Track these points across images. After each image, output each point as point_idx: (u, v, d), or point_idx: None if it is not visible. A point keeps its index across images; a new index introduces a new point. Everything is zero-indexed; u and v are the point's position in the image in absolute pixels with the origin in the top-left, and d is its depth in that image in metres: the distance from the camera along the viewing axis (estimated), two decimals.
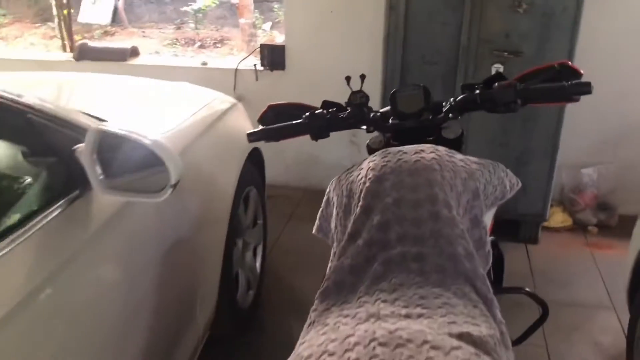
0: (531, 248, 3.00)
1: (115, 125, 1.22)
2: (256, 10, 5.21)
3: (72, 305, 1.15)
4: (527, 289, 1.66)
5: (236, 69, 3.52)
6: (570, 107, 2.79)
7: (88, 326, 1.20)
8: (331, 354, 0.85)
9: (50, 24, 5.67)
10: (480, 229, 1.32)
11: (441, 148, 1.37)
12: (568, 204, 3.26)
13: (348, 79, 1.53)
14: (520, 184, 1.51)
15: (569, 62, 1.47)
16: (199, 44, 5.43)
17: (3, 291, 1.00)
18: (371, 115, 1.56)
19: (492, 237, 1.72)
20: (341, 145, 3.54)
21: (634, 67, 3.06)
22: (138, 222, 1.44)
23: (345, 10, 3.26)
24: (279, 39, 3.75)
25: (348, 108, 1.57)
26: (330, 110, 1.57)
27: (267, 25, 5.31)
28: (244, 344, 2.28)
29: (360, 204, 1.28)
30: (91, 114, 1.64)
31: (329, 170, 3.81)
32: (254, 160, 2.39)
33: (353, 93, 1.53)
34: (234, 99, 2.51)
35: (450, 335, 0.93)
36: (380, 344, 0.84)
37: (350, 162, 3.61)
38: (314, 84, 3.41)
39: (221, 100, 2.37)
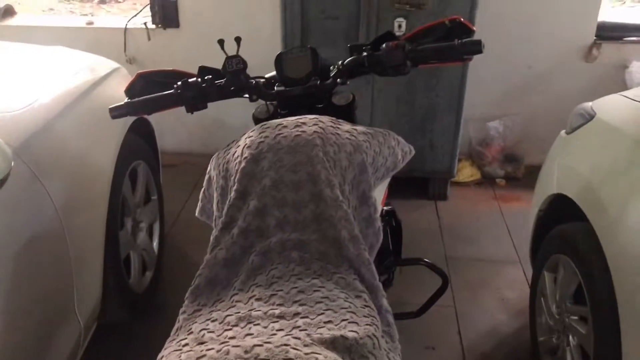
0: (440, 205, 2.98)
1: None
2: None
3: None
4: (426, 260, 1.59)
5: (125, 28, 3.21)
6: (474, 59, 2.74)
7: None
8: None
9: None
10: (369, 205, 1.21)
11: (325, 119, 1.24)
12: (476, 157, 3.25)
13: (221, 42, 1.35)
14: (413, 152, 1.41)
15: (461, 18, 1.37)
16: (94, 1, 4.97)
17: None
18: (253, 82, 1.41)
19: (389, 207, 1.64)
20: (249, 106, 3.35)
21: (537, 15, 3.02)
22: None
23: None
24: None
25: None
26: (206, 77, 1.40)
27: None
28: (143, 330, 2.12)
29: (235, 187, 1.14)
30: None
31: (235, 134, 3.61)
32: (141, 131, 2.18)
33: (228, 59, 1.36)
34: (115, 63, 2.26)
35: (321, 342, 0.82)
36: None
37: None
38: (211, 43, 3.15)
39: (99, 65, 2.12)
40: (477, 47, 1.28)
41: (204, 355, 0.75)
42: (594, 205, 1.52)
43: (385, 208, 1.61)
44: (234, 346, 0.76)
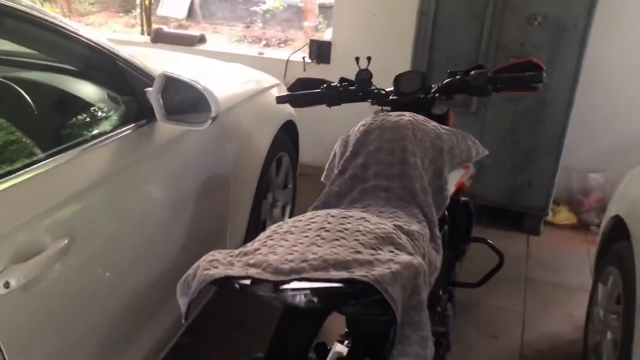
0: (532, 239, 3.32)
1: (177, 72, 1.69)
2: (321, 15, 5.64)
3: (127, 198, 1.61)
4: (488, 240, 2.02)
5: (287, 60, 3.99)
6: (580, 115, 3.12)
7: (137, 220, 1.65)
8: (299, 220, 1.28)
9: (133, 12, 6.35)
10: (441, 180, 1.70)
11: (419, 116, 1.77)
12: (575, 204, 3.55)
13: (357, 59, 1.94)
14: (486, 152, 1.89)
15: (534, 59, 1.84)
16: (264, 42, 5.91)
17: (81, 179, 1.46)
18: (375, 91, 1.98)
19: (466, 199, 2.11)
20: None
21: None
22: (187, 151, 1.91)
23: (385, 14, 3.69)
24: (327, 36, 4.19)
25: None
26: (343, 84, 2.00)
27: (329, 32, 5.75)
28: None
29: (350, 149, 1.70)
30: None
31: None
32: (289, 132, 2.83)
33: (360, 71, 1.95)
34: (277, 79, 2.97)
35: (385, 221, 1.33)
36: (332, 216, 1.27)
37: None
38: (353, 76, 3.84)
39: (265, 79, 2.83)
40: (538, 78, 1.75)
41: (316, 213, 1.30)
42: (636, 222, 1.88)
43: (462, 198, 2.08)
44: (333, 212, 1.30)
